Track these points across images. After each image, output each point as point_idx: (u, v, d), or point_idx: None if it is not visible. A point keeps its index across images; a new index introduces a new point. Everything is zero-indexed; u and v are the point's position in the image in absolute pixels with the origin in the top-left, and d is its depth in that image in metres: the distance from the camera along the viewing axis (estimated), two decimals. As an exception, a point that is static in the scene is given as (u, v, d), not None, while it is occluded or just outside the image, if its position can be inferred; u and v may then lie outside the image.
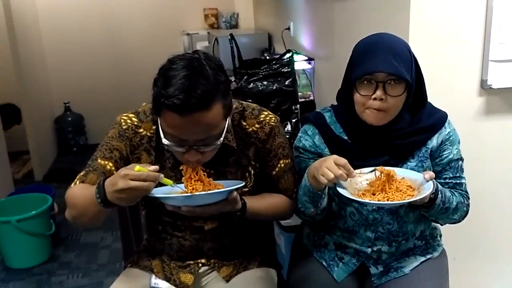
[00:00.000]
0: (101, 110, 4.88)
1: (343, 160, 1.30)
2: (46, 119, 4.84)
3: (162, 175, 1.20)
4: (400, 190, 1.33)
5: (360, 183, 1.38)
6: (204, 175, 1.30)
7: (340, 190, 1.32)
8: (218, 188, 1.29)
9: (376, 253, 1.51)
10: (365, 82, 1.36)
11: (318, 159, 1.37)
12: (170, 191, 1.32)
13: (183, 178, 1.29)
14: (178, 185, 1.28)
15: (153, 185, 1.18)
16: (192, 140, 1.24)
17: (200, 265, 1.51)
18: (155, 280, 1.49)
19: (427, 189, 1.29)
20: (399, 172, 1.37)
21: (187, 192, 1.28)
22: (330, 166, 1.29)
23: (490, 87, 1.86)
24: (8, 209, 3.02)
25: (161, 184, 1.25)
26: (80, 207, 1.32)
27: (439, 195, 1.37)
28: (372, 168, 1.37)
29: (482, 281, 2.15)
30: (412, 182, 1.35)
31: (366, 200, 1.32)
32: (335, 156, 1.32)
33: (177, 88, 1.16)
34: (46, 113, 4.85)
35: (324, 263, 1.54)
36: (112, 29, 5.00)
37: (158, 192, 1.28)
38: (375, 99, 1.35)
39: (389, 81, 1.34)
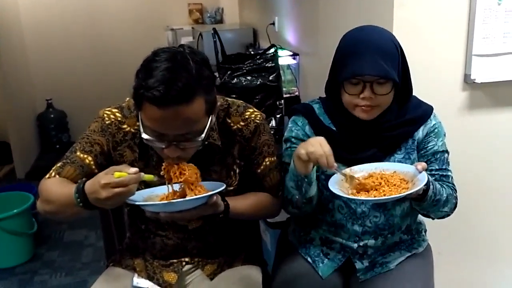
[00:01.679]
0: (84, 107, 4.80)
1: (328, 147, 1.28)
2: (28, 116, 4.77)
3: (143, 174, 1.17)
4: (394, 184, 1.32)
5: (354, 180, 1.36)
6: (189, 167, 1.27)
7: (333, 189, 1.30)
8: (201, 190, 1.26)
9: (362, 248, 1.50)
10: (353, 81, 1.35)
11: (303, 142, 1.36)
12: (151, 194, 1.30)
13: (162, 173, 1.27)
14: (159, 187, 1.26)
15: (136, 187, 1.16)
16: (172, 135, 1.21)
17: (184, 263, 1.49)
18: (137, 280, 1.47)
19: (422, 180, 1.28)
20: (389, 166, 1.37)
21: (165, 197, 1.26)
22: (315, 143, 1.28)
23: (474, 82, 1.86)
24: (-11, 208, 2.97)
25: (145, 184, 1.23)
26: (57, 205, 1.29)
27: (431, 186, 1.36)
28: (365, 172, 1.36)
29: (467, 275, 2.16)
30: (404, 175, 1.34)
31: (363, 197, 1.32)
32: (321, 138, 1.30)
33: (157, 79, 1.14)
34: (28, 110, 4.78)
35: (309, 259, 1.54)
36: (96, 24, 4.93)
37: (139, 194, 1.26)
38: (363, 98, 1.35)
39: (376, 81, 1.33)
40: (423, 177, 1.29)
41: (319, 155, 1.27)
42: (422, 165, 1.32)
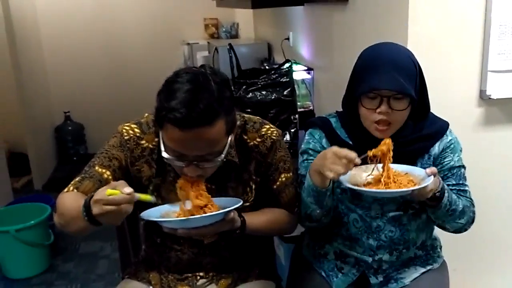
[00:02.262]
0: (101, 119, 4.88)
1: (343, 152, 1.27)
2: (46, 128, 4.85)
3: (138, 195, 1.14)
4: (401, 183, 1.33)
5: (364, 178, 1.39)
6: (203, 189, 1.28)
7: (343, 181, 1.32)
8: (215, 207, 1.27)
9: (377, 263, 1.50)
10: (370, 95, 1.36)
11: (319, 154, 1.36)
12: (168, 210, 1.31)
13: (179, 194, 1.28)
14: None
15: (130, 207, 1.12)
16: (192, 155, 1.22)
17: (198, 277, 1.50)
18: (152, 293, 1.48)
19: (426, 183, 1.29)
20: (402, 168, 1.38)
21: (181, 213, 1.27)
22: (335, 161, 1.27)
23: (489, 98, 1.85)
24: (7, 219, 3.01)
25: (161, 198, 1.24)
26: (67, 218, 1.30)
27: (446, 194, 1.36)
28: (372, 167, 1.38)
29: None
30: (415, 177, 1.35)
31: (364, 188, 1.33)
32: (334, 149, 1.29)
33: (179, 101, 1.15)
34: (46, 122, 4.86)
35: (323, 273, 1.54)
36: (113, 38, 5.01)
37: (157, 210, 1.27)
38: (380, 112, 1.35)
39: (393, 96, 1.34)
40: (429, 180, 1.29)
41: (345, 170, 1.26)
42: (431, 169, 1.32)
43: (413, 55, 1.41)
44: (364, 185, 1.36)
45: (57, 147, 5.03)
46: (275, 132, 1.46)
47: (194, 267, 1.49)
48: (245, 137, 1.44)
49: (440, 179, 1.37)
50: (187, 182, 1.27)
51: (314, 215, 1.43)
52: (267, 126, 1.46)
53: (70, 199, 1.33)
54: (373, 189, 1.33)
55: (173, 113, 1.14)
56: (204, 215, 1.23)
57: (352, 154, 1.26)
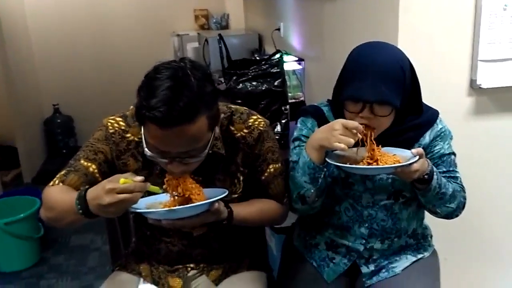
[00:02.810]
0: (90, 112, 4.82)
1: (353, 123, 1.29)
2: (35, 121, 4.80)
3: (149, 184, 1.17)
4: (386, 163, 1.34)
5: (353, 159, 1.39)
6: (191, 182, 1.26)
7: (328, 159, 1.34)
8: (204, 198, 1.26)
9: (368, 252, 1.50)
10: (353, 100, 1.35)
11: (318, 129, 1.38)
12: (154, 201, 1.30)
13: (165, 186, 1.27)
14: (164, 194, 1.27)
15: (140, 195, 1.15)
16: (175, 152, 1.20)
17: (189, 269, 1.49)
18: (143, 285, 1.47)
19: (411, 161, 1.30)
20: (391, 150, 1.39)
21: (168, 205, 1.26)
22: (345, 132, 1.28)
23: (480, 87, 1.86)
24: (-4, 212, 2.98)
25: (148, 192, 1.24)
26: (58, 212, 1.29)
27: (435, 177, 1.36)
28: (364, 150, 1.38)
29: (474, 280, 2.15)
30: (402, 158, 1.36)
31: (347, 165, 1.33)
32: (343, 121, 1.30)
33: (159, 99, 1.12)
34: (35, 115, 4.81)
35: (314, 263, 1.54)
36: (102, 30, 4.96)
37: (142, 201, 1.26)
38: (362, 117, 1.35)
39: (376, 102, 1.33)
40: (414, 159, 1.30)
41: (355, 135, 1.28)
42: (417, 150, 1.32)
43: (403, 57, 1.38)
44: (352, 162, 1.37)
45: (46, 140, 4.98)
46: (262, 122, 1.45)
47: (184, 259, 1.49)
48: (232, 129, 1.42)
49: (429, 162, 1.37)
50: (173, 177, 1.26)
51: (308, 195, 1.41)
52: (254, 117, 1.45)
53: (58, 193, 1.32)
54: (356, 166, 1.33)
55: (153, 112, 1.12)
56: (187, 205, 1.21)
57: (360, 126, 1.28)
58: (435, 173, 1.37)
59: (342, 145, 1.27)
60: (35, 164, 4.57)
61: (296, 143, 1.53)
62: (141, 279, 1.49)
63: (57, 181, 1.37)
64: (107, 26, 4.96)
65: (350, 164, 1.35)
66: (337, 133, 1.28)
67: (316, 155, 1.35)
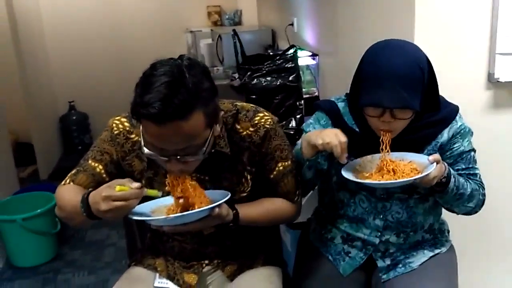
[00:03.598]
0: (105, 108, 4.82)
1: (344, 137, 1.31)
2: (51, 118, 4.85)
3: (146, 190, 1.17)
4: (403, 172, 1.33)
5: (370, 168, 1.40)
6: (191, 184, 1.25)
7: (343, 172, 1.35)
8: (205, 201, 1.25)
9: (384, 245, 1.49)
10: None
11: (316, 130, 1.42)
12: (159, 205, 1.29)
13: (167, 188, 1.26)
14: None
15: (136, 202, 1.15)
16: (172, 150, 1.19)
17: (204, 265, 1.49)
18: (159, 280, 1.47)
19: (428, 171, 1.29)
20: (405, 156, 1.38)
21: (172, 208, 1.26)
22: (330, 134, 1.32)
23: (497, 81, 1.83)
24: (13, 208, 3.02)
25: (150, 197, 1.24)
26: (67, 212, 1.32)
27: (452, 179, 1.35)
28: (379, 157, 1.38)
29: (491, 277, 2.13)
30: (419, 165, 1.35)
31: (362, 180, 1.34)
32: (337, 130, 1.34)
33: (154, 96, 1.12)
34: (51, 112, 4.86)
35: (330, 257, 1.53)
36: (116, 27, 4.99)
37: (146, 205, 1.27)
38: (383, 121, 1.34)
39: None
40: (430, 168, 1.29)
41: (334, 145, 1.30)
42: (434, 157, 1.31)
43: (421, 55, 1.35)
44: (368, 175, 1.37)
45: (62, 137, 5.03)
46: (269, 120, 1.40)
47: (198, 256, 1.49)
48: (238, 127, 1.39)
49: (446, 164, 1.36)
50: (174, 177, 1.24)
51: (304, 174, 1.45)
52: (261, 115, 1.41)
53: (67, 194, 1.34)
54: (372, 181, 1.33)
55: (147, 108, 1.11)
56: (185, 213, 1.20)
57: (345, 142, 1.31)
58: (452, 175, 1.36)
59: (320, 141, 1.31)
60: (51, 161, 4.62)
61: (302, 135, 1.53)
62: (157, 274, 1.49)
63: (68, 180, 1.39)
64: (121, 24, 4.99)
65: (366, 172, 1.37)
66: (325, 133, 1.32)
67: (305, 148, 1.38)
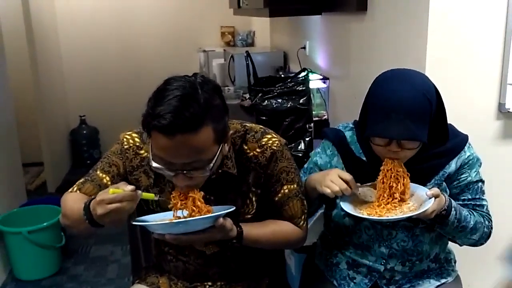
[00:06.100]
0: (116, 124, 4.87)
1: (348, 175, 1.34)
2: (61, 131, 4.89)
3: (140, 192, 1.18)
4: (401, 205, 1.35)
5: (370, 196, 1.41)
6: (198, 201, 1.25)
7: (342, 204, 1.37)
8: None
9: (389, 272, 1.48)
10: None
11: (320, 172, 1.45)
12: (164, 217, 1.30)
13: (171, 206, 1.26)
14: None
15: (133, 204, 1.16)
16: (179, 164, 1.19)
17: (207, 286, 1.48)
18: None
19: (425, 207, 1.29)
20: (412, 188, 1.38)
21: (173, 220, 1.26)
22: (335, 179, 1.34)
23: (508, 111, 1.83)
24: (20, 220, 3.02)
25: (162, 209, 1.23)
26: (72, 220, 1.32)
27: (453, 212, 1.35)
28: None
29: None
30: (417, 199, 1.35)
31: (360, 214, 1.35)
32: (338, 170, 1.37)
33: (165, 108, 1.14)
34: (61, 126, 4.90)
35: (335, 282, 1.52)
36: (130, 44, 5.06)
37: (152, 217, 1.27)
38: (390, 150, 1.34)
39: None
40: (428, 204, 1.29)
41: (344, 189, 1.34)
42: (432, 191, 1.31)
43: (428, 86, 1.34)
44: (369, 207, 1.38)
45: (71, 150, 5.07)
46: (276, 142, 1.40)
47: (202, 277, 1.47)
48: (245, 148, 1.39)
49: (446, 196, 1.35)
50: (181, 193, 1.25)
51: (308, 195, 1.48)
52: (269, 136, 1.41)
53: (71, 201, 1.35)
54: (368, 216, 1.35)
55: (158, 119, 1.13)
56: (189, 219, 1.20)
57: (352, 179, 1.35)
58: (453, 208, 1.35)
59: (328, 191, 1.34)
60: (59, 174, 4.63)
61: (310, 165, 1.57)
62: (160, 293, 1.48)
63: (75, 188, 1.41)
64: (135, 41, 5.05)
65: (366, 201, 1.40)
66: (329, 179, 1.35)
67: (310, 190, 1.45)
